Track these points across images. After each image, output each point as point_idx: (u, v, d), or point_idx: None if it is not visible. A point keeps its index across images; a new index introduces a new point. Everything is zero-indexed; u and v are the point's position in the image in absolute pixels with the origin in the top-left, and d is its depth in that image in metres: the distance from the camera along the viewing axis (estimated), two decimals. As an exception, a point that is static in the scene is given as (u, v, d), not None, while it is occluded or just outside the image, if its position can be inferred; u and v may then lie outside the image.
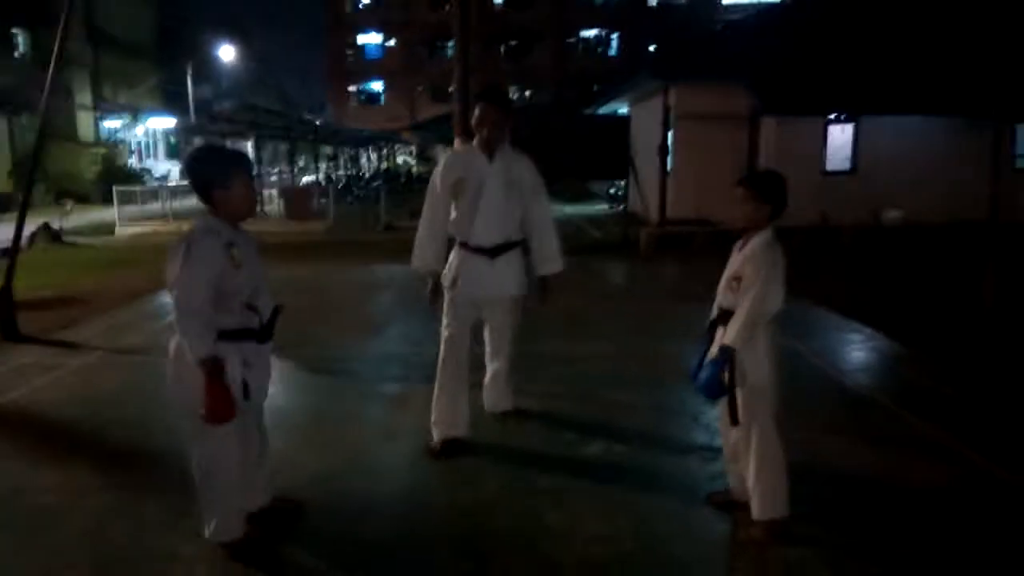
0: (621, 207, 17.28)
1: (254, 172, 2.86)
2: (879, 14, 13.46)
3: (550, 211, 4.03)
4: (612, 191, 19.65)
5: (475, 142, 3.82)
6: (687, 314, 7.26)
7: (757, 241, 2.87)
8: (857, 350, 5.96)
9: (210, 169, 2.73)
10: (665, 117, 13.55)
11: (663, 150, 13.54)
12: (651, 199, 13.74)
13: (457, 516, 3.26)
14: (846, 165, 14.08)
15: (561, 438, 4.06)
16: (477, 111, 3.72)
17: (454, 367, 3.89)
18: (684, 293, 8.26)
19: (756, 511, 2.95)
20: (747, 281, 2.82)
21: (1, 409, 4.61)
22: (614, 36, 47.71)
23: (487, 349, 4.19)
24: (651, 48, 40.69)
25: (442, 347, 3.91)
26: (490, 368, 4.25)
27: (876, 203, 13.34)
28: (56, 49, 6.50)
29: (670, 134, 14.12)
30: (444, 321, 3.89)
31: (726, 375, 2.86)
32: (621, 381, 5.04)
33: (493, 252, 3.80)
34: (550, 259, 4.00)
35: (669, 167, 14.05)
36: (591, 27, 47.66)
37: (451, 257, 3.90)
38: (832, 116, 13.94)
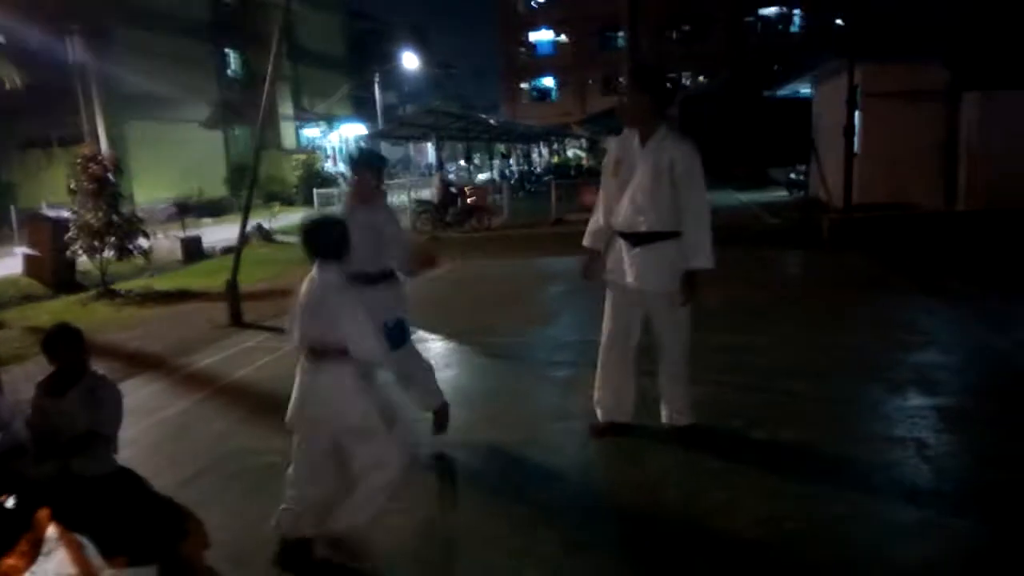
0: (801, 193, 16.52)
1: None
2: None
3: (705, 201, 3.71)
4: (792, 176, 18.74)
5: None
6: (869, 304, 6.93)
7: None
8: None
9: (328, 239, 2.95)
10: (851, 96, 12.76)
11: (848, 131, 12.78)
12: (835, 184, 13.03)
13: (623, 489, 3.47)
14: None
15: (727, 424, 4.12)
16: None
17: (616, 358, 3.93)
18: (866, 283, 7.84)
19: None
20: None
21: (235, 383, 5.42)
22: (796, 12, 45.10)
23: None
24: (836, 23, 38.13)
25: (603, 336, 3.96)
26: (660, 369, 3.95)
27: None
28: (271, 69, 7.48)
29: (856, 114, 13.28)
30: (606, 311, 3.96)
31: None
32: (789, 372, 4.96)
33: (635, 240, 3.73)
34: (699, 253, 3.64)
35: (855, 149, 13.23)
36: (770, 4, 45.36)
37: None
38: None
